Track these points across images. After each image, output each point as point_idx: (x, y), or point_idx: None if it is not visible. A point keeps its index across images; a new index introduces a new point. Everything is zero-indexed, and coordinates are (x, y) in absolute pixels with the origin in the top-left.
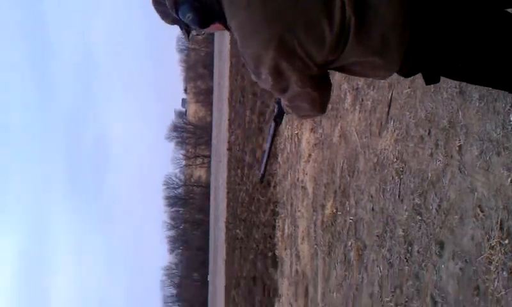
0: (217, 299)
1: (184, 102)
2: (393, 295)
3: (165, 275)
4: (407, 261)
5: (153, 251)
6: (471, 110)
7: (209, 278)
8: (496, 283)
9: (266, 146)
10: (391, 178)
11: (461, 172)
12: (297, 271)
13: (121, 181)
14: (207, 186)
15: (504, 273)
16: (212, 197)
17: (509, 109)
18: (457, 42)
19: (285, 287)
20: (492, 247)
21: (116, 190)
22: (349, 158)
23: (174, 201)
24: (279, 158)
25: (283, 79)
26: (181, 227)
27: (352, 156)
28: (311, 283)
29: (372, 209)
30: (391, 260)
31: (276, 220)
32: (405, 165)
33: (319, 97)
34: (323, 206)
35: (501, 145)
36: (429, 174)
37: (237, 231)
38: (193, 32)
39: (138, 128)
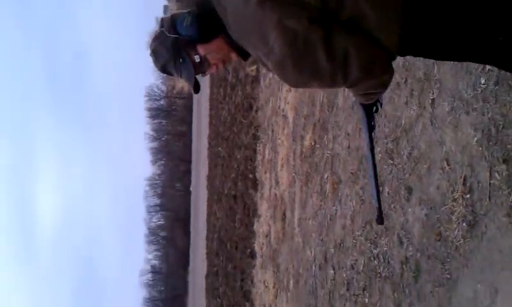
0: (199, 210)
1: (165, 9)
2: (363, 230)
3: (148, 186)
4: None
5: (136, 163)
6: (446, 66)
7: (192, 189)
8: (456, 232)
9: (369, 170)
10: None
11: (432, 124)
12: (276, 195)
13: (102, 92)
14: (189, 98)
15: (464, 224)
16: (194, 111)
17: (481, 72)
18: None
19: (264, 208)
20: (455, 200)
21: (97, 101)
22: (329, 94)
23: (156, 113)
24: (261, 83)
25: (293, 33)
26: (163, 138)
27: (332, 91)
28: (288, 208)
29: (348, 147)
30: (363, 197)
31: (257, 144)
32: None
33: (352, 47)
34: (302, 138)
35: (470, 105)
36: (403, 122)
37: (219, 149)
38: (198, 77)
39: (118, 37)
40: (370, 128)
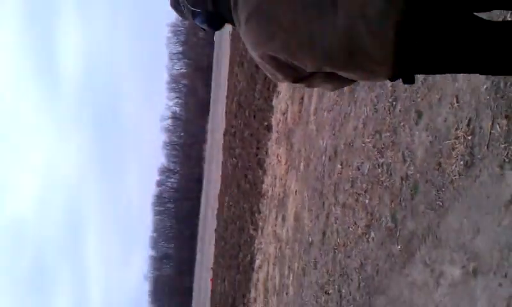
0: (221, 62)
1: None
2: (373, 137)
3: (171, 33)
4: (390, 113)
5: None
6: None
7: (215, 39)
8: (454, 167)
9: None
10: None
11: None
12: None
13: None
14: None
15: (462, 163)
16: None
17: None
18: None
19: (283, 86)
20: (457, 138)
21: None
22: None
23: None
24: None
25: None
26: None
27: None
28: (307, 94)
29: None
30: (377, 106)
31: None
32: None
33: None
34: None
35: None
36: None
37: None
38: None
39: None
40: None
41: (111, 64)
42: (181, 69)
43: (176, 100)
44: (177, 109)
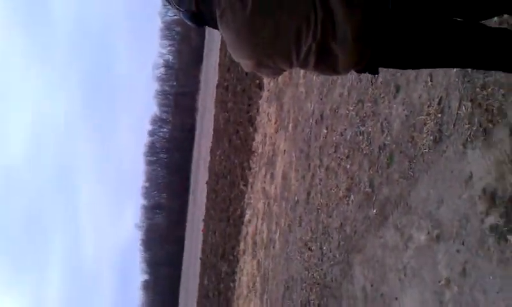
0: None
1: None
2: (356, 106)
3: None
4: (372, 84)
5: None
6: None
7: None
8: (424, 141)
9: None
10: None
11: None
12: None
13: None
14: None
15: (431, 138)
16: None
17: None
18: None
19: None
20: (429, 114)
21: None
22: None
23: None
24: None
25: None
26: None
27: None
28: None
29: None
30: (361, 76)
31: None
32: None
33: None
34: None
35: None
36: None
37: None
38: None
39: None
40: None
41: (102, 11)
42: (174, 15)
43: (169, 48)
44: (170, 57)
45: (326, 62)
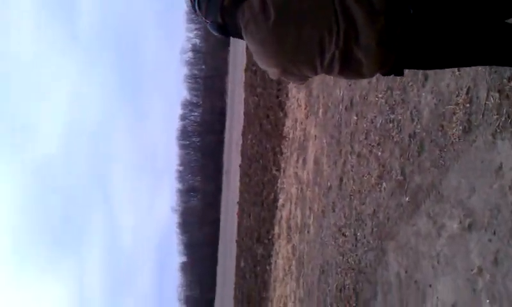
0: None
1: None
2: (385, 93)
3: None
4: None
5: None
6: None
7: None
8: (454, 130)
9: None
10: None
11: None
12: None
13: None
14: None
15: (460, 127)
16: None
17: None
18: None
19: None
20: (457, 104)
21: None
22: None
23: None
24: None
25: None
26: None
27: None
28: None
29: None
30: None
31: None
32: None
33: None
34: None
35: None
36: None
37: None
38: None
39: None
40: None
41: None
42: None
43: (195, 32)
44: (197, 41)
45: (350, 68)
